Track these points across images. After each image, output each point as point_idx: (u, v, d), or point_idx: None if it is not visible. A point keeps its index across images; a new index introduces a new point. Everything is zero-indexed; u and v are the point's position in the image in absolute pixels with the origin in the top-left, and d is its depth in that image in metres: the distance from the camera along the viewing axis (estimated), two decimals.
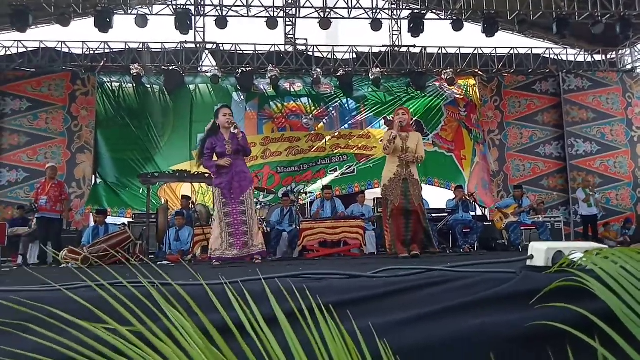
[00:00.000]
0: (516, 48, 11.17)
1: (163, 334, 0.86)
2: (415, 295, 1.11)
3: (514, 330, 0.98)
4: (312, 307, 0.93)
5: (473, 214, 8.29)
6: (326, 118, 10.98)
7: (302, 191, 9.26)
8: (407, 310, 1.03)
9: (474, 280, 1.15)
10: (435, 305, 1.04)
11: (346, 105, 11.08)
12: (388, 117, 10.93)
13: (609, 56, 11.60)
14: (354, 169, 10.51)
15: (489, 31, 10.04)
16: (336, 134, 10.87)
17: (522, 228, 7.71)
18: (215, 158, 4.52)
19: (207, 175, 8.28)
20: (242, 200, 4.42)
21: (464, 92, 11.34)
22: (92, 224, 8.95)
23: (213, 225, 4.51)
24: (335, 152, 10.72)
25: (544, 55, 11.27)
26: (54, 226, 6.95)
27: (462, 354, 0.96)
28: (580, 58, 11.52)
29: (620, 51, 11.53)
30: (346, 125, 10.97)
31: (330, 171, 10.61)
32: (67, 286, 1.30)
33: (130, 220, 9.13)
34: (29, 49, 10.10)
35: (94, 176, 10.22)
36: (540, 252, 1.52)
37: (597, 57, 11.56)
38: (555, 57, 11.37)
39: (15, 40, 10.07)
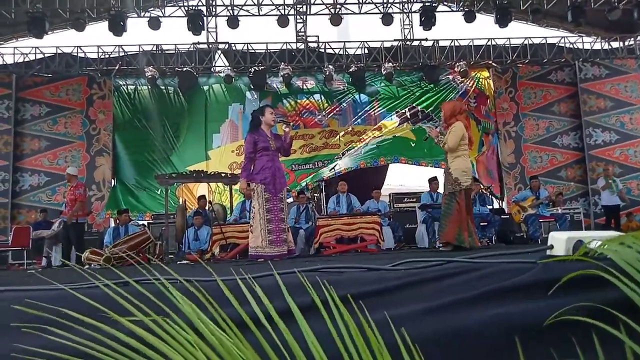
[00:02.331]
0: (530, 38, 10.99)
1: (185, 325, 0.89)
2: (435, 286, 1.12)
3: (537, 319, 0.98)
4: (333, 299, 0.95)
5: (490, 207, 8.21)
6: (339, 114, 10.98)
7: (320, 188, 9.24)
8: (427, 301, 1.04)
9: (493, 270, 1.15)
10: (455, 296, 1.05)
11: (359, 100, 11.07)
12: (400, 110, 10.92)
13: (626, 43, 11.34)
14: (376, 145, 10.44)
15: (502, 21, 9.91)
16: (350, 130, 10.86)
17: (540, 220, 7.61)
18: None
19: (223, 175, 8.38)
20: (281, 198, 4.51)
21: (475, 83, 11.22)
22: (112, 225, 9.11)
23: (252, 222, 4.44)
24: (349, 147, 10.71)
25: (559, 45, 11.07)
26: (74, 229, 7.07)
27: (485, 342, 0.96)
28: (597, 46, 11.28)
29: (639, 37, 11.26)
30: (359, 121, 10.95)
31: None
32: (79, 285, 1.34)
33: (150, 221, 9.27)
34: (46, 55, 10.30)
35: (112, 179, 10.40)
36: (560, 241, 1.52)
37: (615, 44, 11.31)
38: (571, 46, 11.16)
39: (32, 47, 10.28)
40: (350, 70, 10.77)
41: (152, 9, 10.18)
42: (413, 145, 10.48)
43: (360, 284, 1.15)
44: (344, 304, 0.93)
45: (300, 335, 0.89)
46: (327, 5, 10.48)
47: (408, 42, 11.01)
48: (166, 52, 10.58)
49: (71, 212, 6.95)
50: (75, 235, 7.01)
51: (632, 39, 11.27)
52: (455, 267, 1.28)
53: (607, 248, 1.14)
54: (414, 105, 10.96)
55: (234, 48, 10.68)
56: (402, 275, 1.18)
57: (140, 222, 9.30)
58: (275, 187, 4.45)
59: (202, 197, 8.57)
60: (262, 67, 10.54)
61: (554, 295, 1.04)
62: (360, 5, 10.54)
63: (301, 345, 0.83)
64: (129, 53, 10.52)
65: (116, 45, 10.40)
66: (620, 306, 0.98)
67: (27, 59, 10.34)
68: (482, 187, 8.14)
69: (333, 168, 9.73)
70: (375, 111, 10.99)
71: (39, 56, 10.32)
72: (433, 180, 8.16)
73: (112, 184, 10.36)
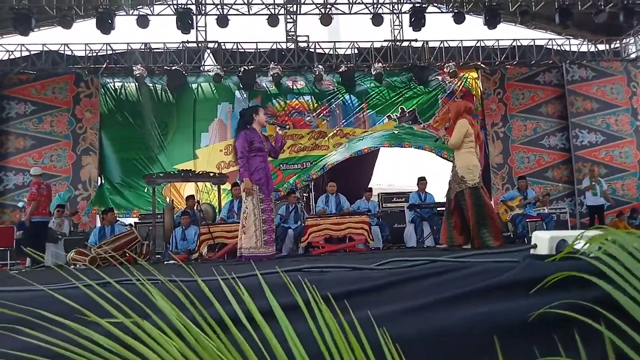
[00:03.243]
0: (519, 40, 11.09)
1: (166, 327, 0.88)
2: (418, 285, 1.11)
3: (520, 317, 0.98)
4: (315, 299, 0.94)
5: None
6: (329, 116, 10.98)
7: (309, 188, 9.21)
8: (410, 301, 1.04)
9: (476, 269, 1.16)
10: (439, 295, 1.04)
11: (349, 102, 11.08)
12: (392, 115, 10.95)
13: (612, 45, 11.50)
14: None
15: (491, 23, 9.99)
16: (339, 132, 10.87)
17: (527, 220, 7.68)
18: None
19: (211, 174, 8.33)
20: (272, 199, 4.63)
21: (462, 82, 11.30)
22: (98, 224, 9.01)
23: (246, 222, 4.39)
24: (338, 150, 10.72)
25: (547, 47, 11.20)
26: (31, 229, 6.85)
27: (470, 341, 0.96)
28: (584, 48, 11.44)
29: (624, 40, 11.43)
30: (348, 123, 10.97)
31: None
32: (58, 286, 1.32)
33: (137, 220, 9.18)
34: (32, 52, 10.15)
35: (99, 178, 10.28)
36: (543, 240, 1.53)
37: (601, 47, 11.47)
38: (558, 48, 11.29)
39: (18, 44, 10.12)
40: (340, 70, 10.78)
41: (141, 6, 10.09)
42: (396, 132, 10.33)
43: (345, 284, 1.14)
44: (327, 303, 0.93)
45: (283, 335, 0.89)
46: (318, 5, 10.48)
47: (398, 43, 11.05)
48: (155, 50, 10.48)
49: (28, 212, 6.76)
50: (29, 236, 6.73)
51: (618, 41, 11.44)
52: (439, 266, 1.28)
53: (594, 249, 1.15)
54: (404, 109, 11.01)
55: (223, 47, 10.62)
56: (386, 274, 1.18)
57: (128, 221, 9.22)
58: (269, 188, 4.54)
59: (191, 196, 8.51)
60: (252, 67, 10.50)
61: (537, 293, 1.04)
62: (351, 5, 10.55)
63: (284, 346, 0.83)
64: (117, 51, 10.41)
65: (104, 43, 10.29)
66: (602, 304, 0.98)
67: (12, 57, 10.19)
68: None
69: (323, 167, 9.68)
70: (364, 113, 11.01)
71: (25, 54, 10.17)
72: (421, 180, 8.20)
73: (99, 182, 10.25)
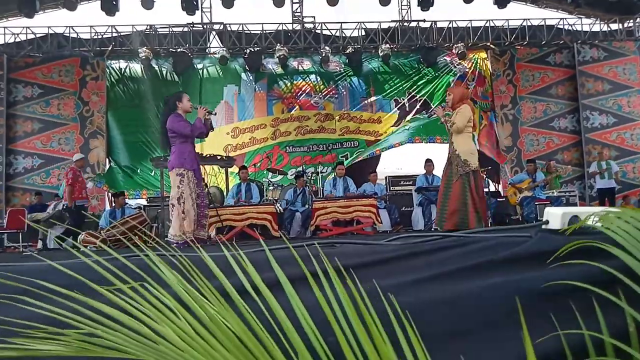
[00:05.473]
0: (529, 19, 10.87)
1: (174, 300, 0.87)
2: (429, 258, 1.10)
3: (535, 287, 0.97)
4: (325, 271, 0.93)
5: (486, 189, 8.20)
6: (335, 97, 10.89)
7: (315, 171, 9.18)
8: (424, 271, 1.02)
9: (489, 243, 1.13)
10: (450, 266, 1.03)
11: (356, 85, 10.97)
12: (399, 100, 10.87)
13: (625, 25, 11.23)
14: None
15: (501, 2, 9.80)
16: (345, 115, 10.79)
17: (536, 203, 7.62)
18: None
19: (219, 157, 8.32)
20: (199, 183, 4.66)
21: (473, 64, 11.12)
22: (108, 208, 9.07)
23: (184, 207, 4.40)
24: (346, 136, 10.68)
25: (558, 26, 10.96)
26: (71, 213, 7.12)
27: (484, 309, 0.95)
28: (596, 28, 11.18)
29: (638, 19, 11.16)
30: (356, 106, 10.88)
31: (341, 157, 10.57)
32: (66, 261, 1.31)
33: (146, 203, 9.23)
34: (37, 35, 10.11)
35: (107, 159, 10.32)
36: (555, 216, 1.50)
37: (614, 27, 11.21)
38: (570, 28, 11.05)
39: (23, 27, 10.09)
40: (347, 51, 10.64)
41: None
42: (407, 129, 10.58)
43: (355, 256, 1.13)
44: (337, 274, 0.91)
45: (291, 306, 0.87)
46: None
47: (405, 23, 10.87)
48: (160, 32, 10.40)
49: (67, 197, 7.07)
50: (72, 219, 6.99)
51: (632, 20, 11.16)
52: (452, 240, 1.26)
53: (606, 223, 1.12)
54: (412, 93, 10.89)
55: (229, 29, 10.51)
56: (396, 248, 1.16)
57: (136, 202, 9.27)
58: (200, 173, 4.68)
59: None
60: (258, 48, 10.40)
61: (550, 266, 1.02)
62: None
63: (291, 316, 0.82)
64: (122, 34, 10.34)
65: (109, 26, 10.23)
66: (614, 278, 0.96)
67: (18, 40, 10.16)
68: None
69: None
70: (371, 97, 10.90)
71: (30, 36, 10.14)
72: (428, 163, 8.13)
73: (107, 165, 10.29)
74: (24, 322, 0.90)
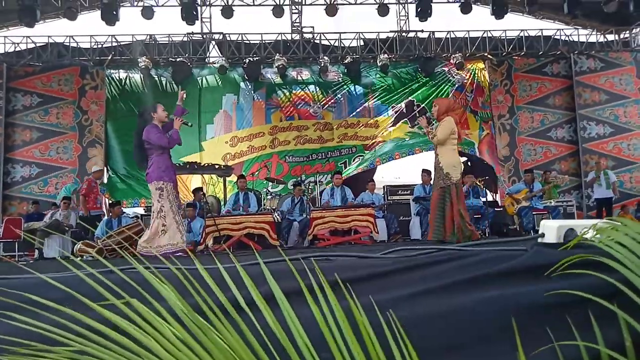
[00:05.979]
0: (526, 30, 10.95)
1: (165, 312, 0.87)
2: (425, 271, 1.10)
3: (531, 301, 0.97)
4: (321, 285, 0.93)
5: (484, 199, 8.21)
6: (334, 106, 10.93)
7: (314, 181, 9.18)
8: (420, 285, 1.02)
9: (485, 257, 1.14)
10: (449, 279, 1.03)
11: (354, 92, 11.02)
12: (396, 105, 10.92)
13: (622, 36, 11.33)
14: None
15: (498, 13, 9.86)
16: (343, 123, 10.83)
17: (534, 213, 7.63)
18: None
19: (217, 166, 8.33)
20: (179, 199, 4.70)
21: (471, 75, 11.19)
22: (105, 217, 9.04)
23: (165, 220, 4.41)
24: (344, 143, 10.70)
25: (555, 37, 11.05)
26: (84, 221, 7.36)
27: (479, 323, 0.95)
28: (592, 38, 11.26)
29: (634, 30, 11.26)
30: (353, 113, 10.92)
31: (340, 164, 10.59)
32: (60, 274, 1.31)
33: (143, 212, 9.21)
34: (37, 45, 10.15)
35: (105, 167, 10.31)
36: (551, 229, 1.50)
37: (610, 37, 11.30)
38: (567, 38, 11.13)
39: (24, 36, 10.13)
40: (346, 61, 10.70)
41: None
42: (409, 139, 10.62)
43: (351, 270, 1.13)
44: (333, 289, 0.91)
45: (292, 320, 0.87)
46: None
47: (404, 34, 10.94)
48: (160, 42, 10.45)
49: (81, 206, 7.42)
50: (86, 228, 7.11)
51: (627, 31, 11.26)
52: (448, 254, 1.26)
53: (602, 237, 1.13)
54: (411, 99, 10.93)
55: (228, 38, 10.57)
56: (393, 262, 1.16)
57: (134, 211, 9.26)
58: (177, 186, 4.67)
59: (199, 189, 8.52)
60: (257, 58, 10.45)
61: (546, 279, 1.02)
62: None
63: (286, 330, 0.81)
64: (122, 43, 10.38)
65: (109, 35, 10.27)
66: (610, 291, 0.97)
67: (18, 49, 10.19)
68: (473, 180, 8.13)
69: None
70: (370, 103, 10.94)
71: (30, 46, 10.17)
72: (424, 173, 8.14)
73: (105, 174, 10.27)
74: (11, 338, 0.89)
